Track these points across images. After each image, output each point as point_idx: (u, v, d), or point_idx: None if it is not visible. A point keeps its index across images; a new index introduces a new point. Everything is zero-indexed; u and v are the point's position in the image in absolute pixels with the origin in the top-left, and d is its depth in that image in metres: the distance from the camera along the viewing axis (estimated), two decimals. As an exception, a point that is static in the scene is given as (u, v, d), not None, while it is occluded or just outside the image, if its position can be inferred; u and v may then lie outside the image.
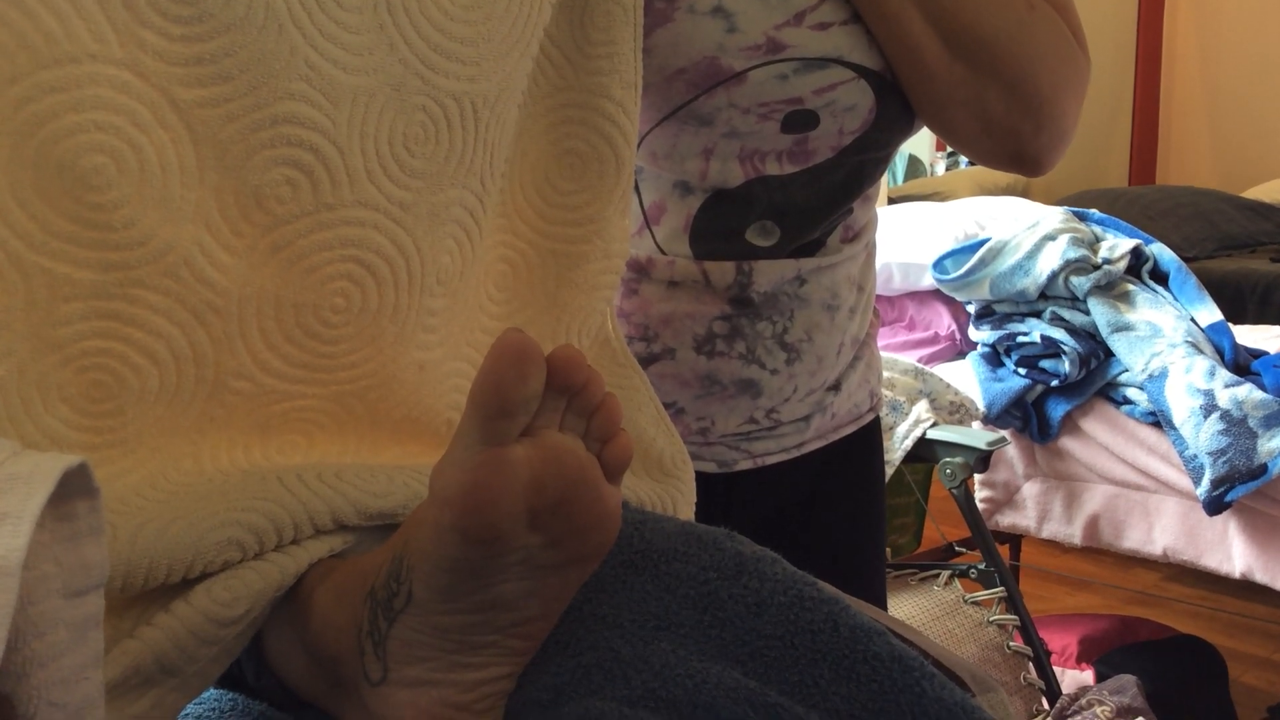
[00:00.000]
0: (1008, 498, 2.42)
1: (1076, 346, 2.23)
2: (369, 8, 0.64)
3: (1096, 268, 2.28)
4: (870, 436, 1.11)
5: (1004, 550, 2.58)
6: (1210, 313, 2.27)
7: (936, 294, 2.54)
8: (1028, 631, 2.05)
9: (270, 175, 0.62)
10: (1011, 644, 2.03)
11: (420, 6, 0.66)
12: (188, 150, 0.60)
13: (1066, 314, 2.28)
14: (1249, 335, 2.51)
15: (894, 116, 0.94)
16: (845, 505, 1.09)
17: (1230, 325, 2.31)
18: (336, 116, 0.63)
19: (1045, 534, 2.39)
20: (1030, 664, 2.04)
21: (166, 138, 0.59)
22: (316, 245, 0.64)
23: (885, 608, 1.17)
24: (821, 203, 0.96)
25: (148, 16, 0.58)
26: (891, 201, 3.42)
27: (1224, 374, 2.10)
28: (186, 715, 0.64)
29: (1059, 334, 2.25)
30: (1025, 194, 4.03)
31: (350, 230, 0.65)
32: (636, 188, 0.96)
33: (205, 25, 0.59)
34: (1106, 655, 2.30)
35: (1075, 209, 2.49)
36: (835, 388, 1.04)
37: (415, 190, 0.67)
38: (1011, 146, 0.94)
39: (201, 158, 0.61)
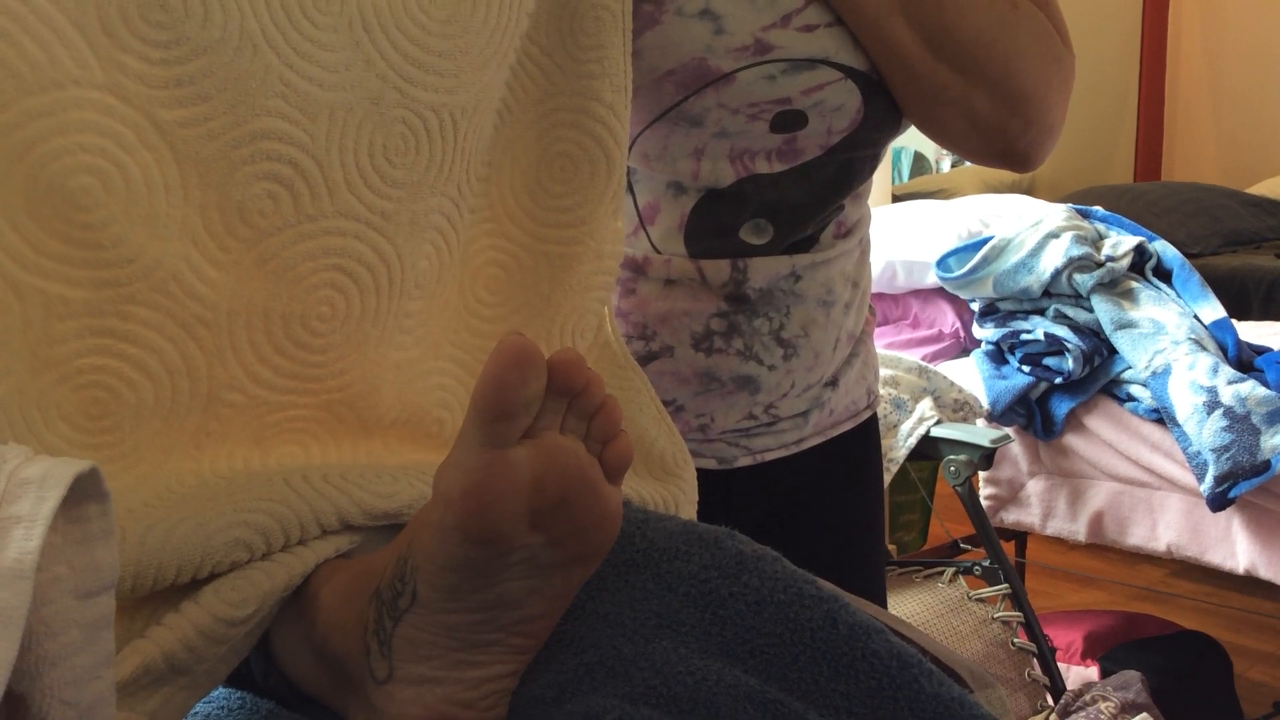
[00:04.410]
0: (1012, 495, 2.43)
1: (1080, 344, 2.23)
2: (344, 26, 0.65)
3: (1100, 265, 2.28)
4: (868, 433, 1.12)
5: (1009, 547, 2.58)
6: (1214, 309, 2.27)
7: (940, 292, 2.54)
8: (1032, 628, 2.05)
9: (252, 190, 0.63)
10: (1016, 640, 2.03)
11: (397, 22, 0.67)
12: (171, 169, 0.62)
13: (1070, 311, 2.29)
14: (1253, 331, 2.51)
15: (881, 116, 0.95)
16: (844, 502, 1.10)
17: (1234, 322, 2.30)
18: (314, 131, 0.64)
19: (1050, 531, 2.40)
20: (1034, 660, 2.05)
21: (150, 158, 0.61)
22: (300, 256, 0.66)
23: (885, 604, 1.17)
24: (813, 199, 0.97)
25: (127, 41, 0.59)
26: (896, 199, 3.42)
27: (1227, 371, 2.10)
28: (196, 714, 0.65)
29: (1062, 331, 2.25)
30: (1030, 191, 4.02)
31: (332, 240, 0.67)
32: (631, 189, 0.97)
33: (183, 48, 0.61)
34: (1111, 651, 2.30)
35: (1078, 206, 2.49)
36: (833, 384, 1.05)
37: (396, 200, 0.69)
38: (1000, 144, 0.95)
39: (185, 176, 0.62)
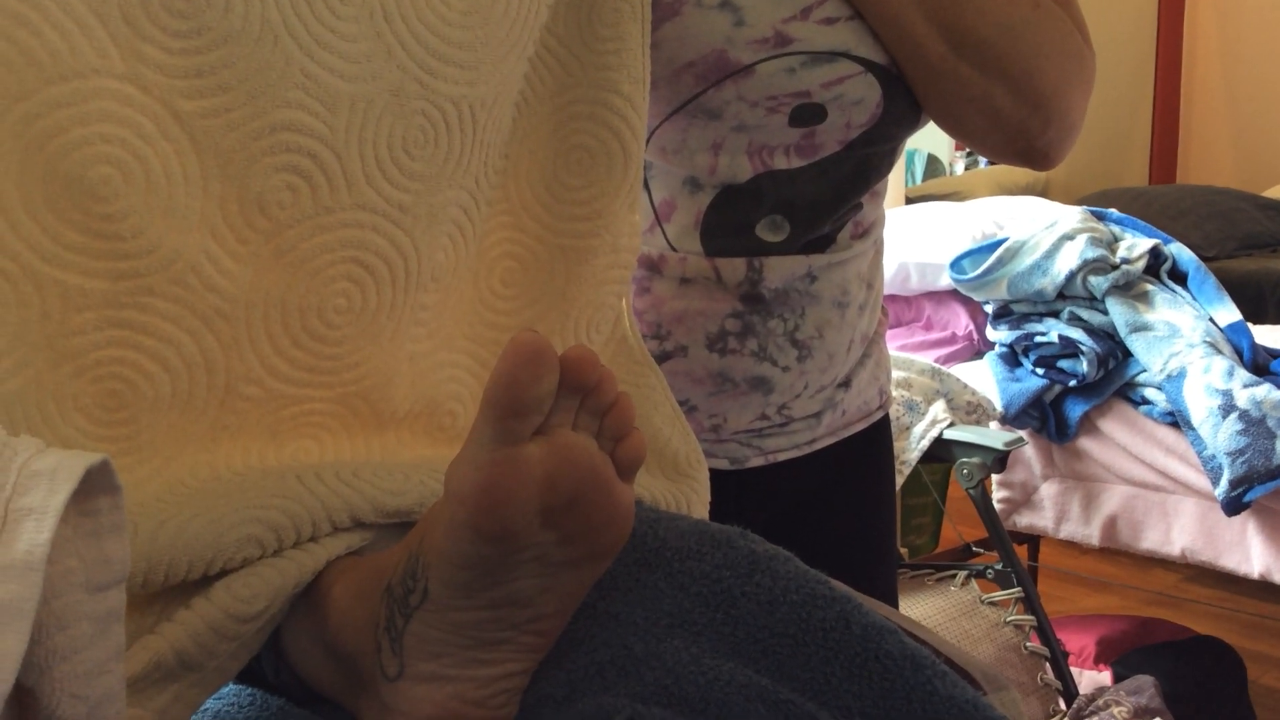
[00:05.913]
0: (1025, 498, 2.42)
1: (1094, 346, 2.22)
2: (365, 17, 0.65)
3: (1115, 267, 2.27)
4: (880, 434, 1.11)
5: (1022, 551, 2.57)
6: (1229, 312, 2.26)
7: (954, 294, 2.53)
8: (1044, 632, 2.04)
9: (271, 181, 0.63)
10: (1028, 644, 2.03)
11: (418, 14, 0.67)
12: (191, 160, 0.61)
13: (1084, 314, 2.28)
14: (1269, 335, 2.50)
15: (901, 110, 0.95)
16: (856, 502, 1.10)
17: (1250, 325, 2.29)
18: (334, 123, 0.64)
19: (1063, 534, 2.39)
20: (1047, 664, 2.04)
21: (170, 148, 0.61)
22: (318, 248, 0.66)
23: (896, 605, 1.17)
24: (830, 196, 0.97)
25: (147, 31, 0.59)
26: (909, 201, 3.41)
27: (1242, 374, 2.09)
28: (206, 710, 0.65)
29: (1077, 334, 2.25)
30: (1044, 193, 4.01)
31: (349, 232, 0.66)
32: (646, 185, 0.97)
33: (203, 38, 0.60)
34: (1124, 656, 2.29)
35: (1093, 209, 2.48)
36: (845, 384, 1.05)
37: (414, 192, 0.69)
38: (1020, 142, 0.94)
39: (205, 167, 0.62)
